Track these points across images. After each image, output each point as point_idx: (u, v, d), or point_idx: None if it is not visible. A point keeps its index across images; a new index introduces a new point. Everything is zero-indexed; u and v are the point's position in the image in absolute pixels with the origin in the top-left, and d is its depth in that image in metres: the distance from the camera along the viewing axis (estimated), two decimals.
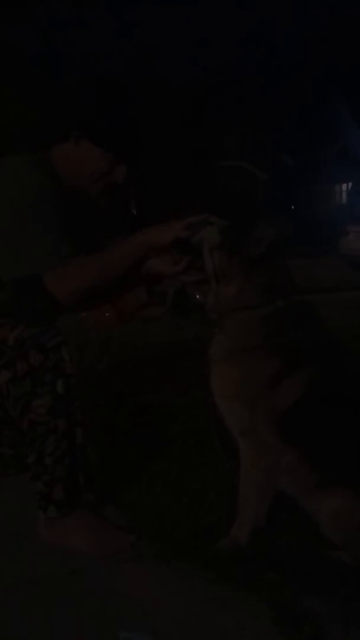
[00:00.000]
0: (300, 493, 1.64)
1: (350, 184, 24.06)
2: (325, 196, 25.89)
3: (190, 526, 1.74)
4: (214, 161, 24.34)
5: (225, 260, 1.68)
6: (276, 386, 1.61)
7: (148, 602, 1.50)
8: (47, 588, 1.56)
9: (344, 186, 25.36)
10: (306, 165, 25.42)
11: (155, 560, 1.64)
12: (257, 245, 1.65)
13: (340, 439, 1.60)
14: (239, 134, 25.22)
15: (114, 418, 2.73)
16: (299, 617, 1.37)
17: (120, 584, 1.57)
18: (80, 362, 3.41)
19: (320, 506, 1.58)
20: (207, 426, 1.88)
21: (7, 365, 1.69)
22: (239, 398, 1.65)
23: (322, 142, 24.82)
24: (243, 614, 1.41)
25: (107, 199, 1.96)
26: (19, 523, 1.86)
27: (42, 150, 1.89)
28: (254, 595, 1.45)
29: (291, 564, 1.54)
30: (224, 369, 1.69)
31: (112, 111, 1.86)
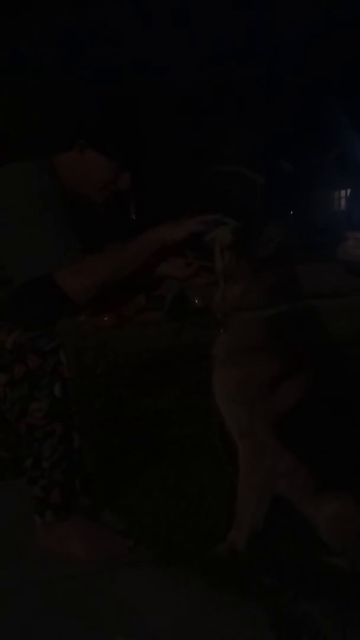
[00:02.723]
0: (298, 497, 1.64)
1: (348, 190, 24.17)
2: (323, 202, 25.95)
3: (188, 531, 1.73)
4: (213, 166, 24.40)
5: (234, 260, 1.69)
6: (276, 389, 1.61)
7: (145, 607, 1.49)
8: (43, 593, 1.55)
9: (343, 192, 25.44)
10: (305, 171, 25.50)
11: (152, 565, 1.63)
12: (265, 247, 1.65)
13: (339, 443, 1.60)
14: (237, 140, 25.30)
15: (112, 422, 2.73)
16: (297, 622, 1.36)
17: (117, 589, 1.57)
18: (79, 366, 3.40)
19: (319, 511, 1.57)
20: (207, 429, 1.88)
21: (4, 368, 1.69)
22: (238, 399, 1.65)
23: (321, 148, 24.89)
24: (240, 619, 1.40)
25: (111, 206, 1.97)
26: (16, 527, 1.85)
27: (45, 158, 1.89)
28: (251, 600, 1.45)
29: (289, 569, 1.53)
30: (225, 369, 1.70)
31: (117, 120, 1.86)
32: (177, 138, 20.75)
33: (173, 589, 1.54)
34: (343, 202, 25.32)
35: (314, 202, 25.71)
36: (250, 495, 1.65)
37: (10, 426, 1.79)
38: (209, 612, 1.44)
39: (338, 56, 25.32)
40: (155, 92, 19.60)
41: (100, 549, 1.72)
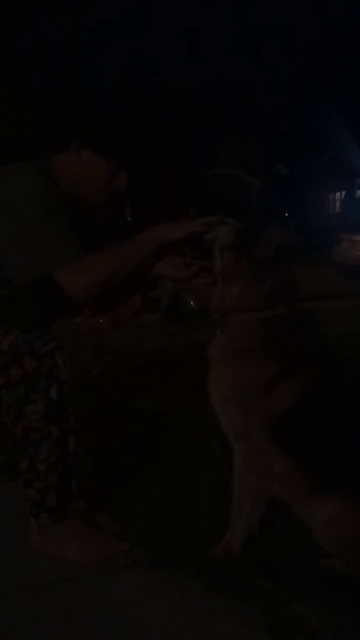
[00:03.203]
0: (293, 500, 1.64)
1: (343, 192, 24.25)
2: (318, 204, 26.03)
3: (184, 534, 1.73)
4: (209, 169, 24.44)
5: (233, 261, 1.69)
6: (272, 390, 1.61)
7: (141, 610, 1.49)
8: (38, 596, 1.55)
9: (337, 195, 25.52)
10: (300, 174, 25.57)
11: (148, 568, 1.63)
12: (265, 248, 1.65)
13: (335, 445, 1.60)
14: (234, 142, 25.36)
15: (107, 424, 2.73)
16: (292, 625, 1.36)
17: (113, 592, 1.56)
18: (74, 368, 3.40)
19: (314, 513, 1.58)
20: (203, 431, 1.88)
21: (0, 371, 1.69)
22: (234, 400, 1.65)
23: (316, 151, 24.97)
24: (236, 621, 1.40)
25: (108, 207, 1.97)
26: (11, 530, 1.85)
27: (42, 159, 1.89)
28: (246, 602, 1.45)
29: (284, 572, 1.53)
30: (221, 371, 1.70)
31: (114, 120, 1.87)
32: (174, 140, 20.80)
33: (169, 591, 1.54)
34: (338, 204, 25.39)
35: (309, 205, 25.78)
36: (245, 497, 1.65)
37: (5, 429, 1.78)
38: (205, 614, 1.44)
39: (334, 60, 25.43)
40: (152, 93, 19.66)
41: (95, 552, 1.71)
